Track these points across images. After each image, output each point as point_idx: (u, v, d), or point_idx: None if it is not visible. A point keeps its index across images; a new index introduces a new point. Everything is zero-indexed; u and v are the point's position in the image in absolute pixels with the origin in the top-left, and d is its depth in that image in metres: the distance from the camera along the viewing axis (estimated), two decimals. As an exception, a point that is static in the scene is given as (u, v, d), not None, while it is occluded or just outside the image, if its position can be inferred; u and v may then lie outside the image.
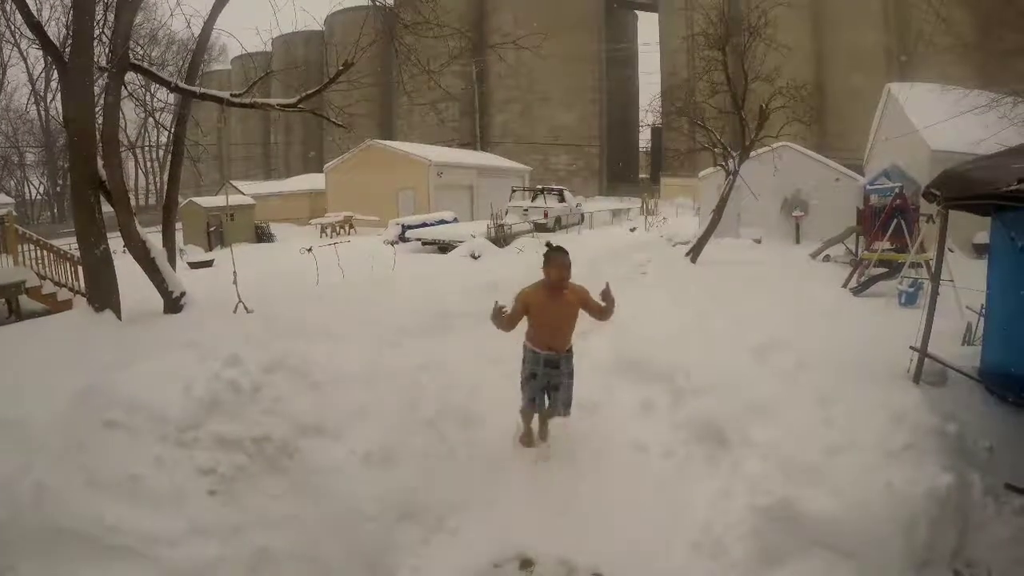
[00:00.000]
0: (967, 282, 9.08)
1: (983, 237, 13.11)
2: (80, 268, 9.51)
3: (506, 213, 27.42)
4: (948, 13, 16.86)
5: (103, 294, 8.81)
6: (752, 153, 17.77)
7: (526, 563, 5.05)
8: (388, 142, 41.96)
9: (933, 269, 7.54)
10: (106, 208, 9.04)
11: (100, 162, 8.94)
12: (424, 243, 23.06)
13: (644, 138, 74.21)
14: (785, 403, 6.08)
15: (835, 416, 5.67)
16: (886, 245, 14.37)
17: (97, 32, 9.30)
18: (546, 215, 28.47)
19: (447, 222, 26.67)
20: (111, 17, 9.47)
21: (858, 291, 13.60)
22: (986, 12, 17.90)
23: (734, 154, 17.65)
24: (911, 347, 6.61)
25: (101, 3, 9.44)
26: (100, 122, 9.31)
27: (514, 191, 32.68)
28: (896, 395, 5.88)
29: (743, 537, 5.07)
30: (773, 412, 6.04)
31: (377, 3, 11.31)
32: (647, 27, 75.70)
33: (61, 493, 4.43)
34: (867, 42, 54.68)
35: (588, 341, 9.84)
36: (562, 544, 5.15)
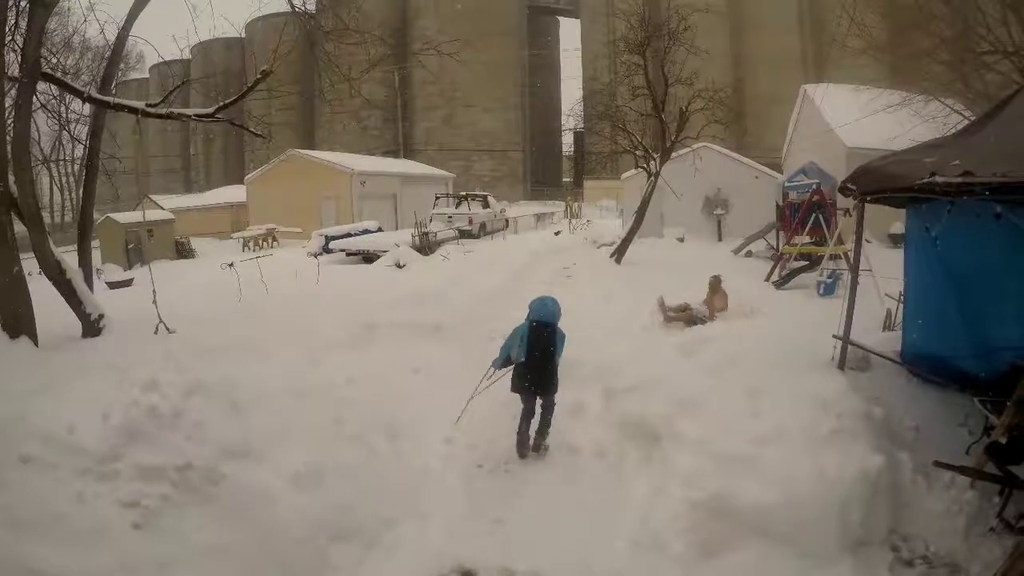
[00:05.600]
0: (885, 271, 9.39)
1: (899, 228, 13.58)
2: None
3: (430, 221, 27.22)
4: (861, 17, 17.43)
5: (17, 319, 8.35)
6: (673, 154, 18.02)
7: (467, 575, 4.98)
8: (310, 152, 40.85)
9: (852, 260, 7.74)
10: (18, 227, 8.62)
11: (11, 178, 8.52)
12: (348, 254, 22.59)
13: (567, 142, 74.98)
14: (714, 397, 6.17)
15: (763, 407, 5.78)
16: (805, 239, 14.78)
17: (8, 39, 8.84)
18: (471, 221, 28.35)
19: (371, 232, 26.25)
20: (23, 23, 9.00)
21: (780, 284, 13.96)
22: (897, 16, 18.58)
23: (655, 156, 17.89)
24: (834, 335, 6.77)
25: (12, 8, 8.96)
26: (10, 135, 8.87)
27: (438, 198, 32.43)
28: (822, 382, 6.03)
29: (681, 531, 5.12)
30: (702, 406, 6.12)
31: (297, 9, 11.09)
32: (569, 32, 76.55)
33: (-23, 536, 4.10)
34: (783, 45, 56.35)
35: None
36: (502, 552, 5.10)
